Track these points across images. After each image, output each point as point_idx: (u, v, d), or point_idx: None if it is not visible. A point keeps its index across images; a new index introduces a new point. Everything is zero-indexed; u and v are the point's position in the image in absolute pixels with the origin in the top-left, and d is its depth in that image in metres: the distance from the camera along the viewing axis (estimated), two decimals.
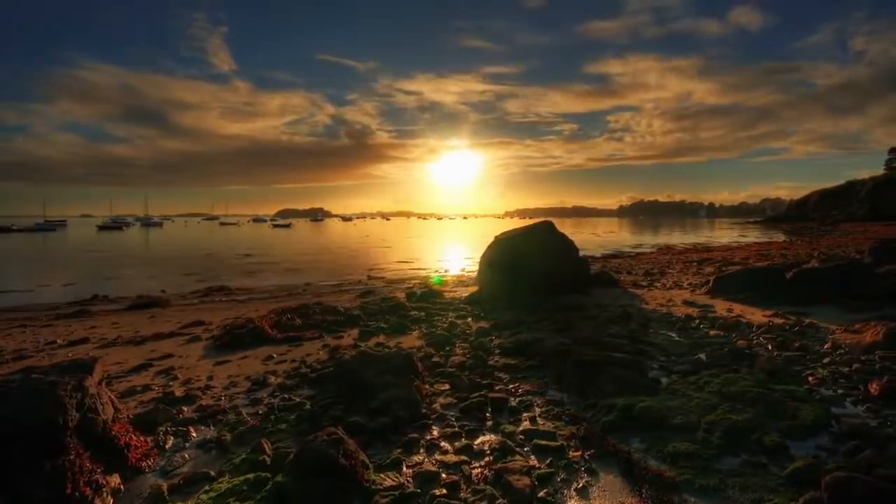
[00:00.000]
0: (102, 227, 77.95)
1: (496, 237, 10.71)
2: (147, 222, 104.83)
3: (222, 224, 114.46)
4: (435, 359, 5.40)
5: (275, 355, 5.90)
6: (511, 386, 4.46)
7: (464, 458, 3.06)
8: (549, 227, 10.91)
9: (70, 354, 6.45)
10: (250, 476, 2.75)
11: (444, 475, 2.84)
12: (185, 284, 17.61)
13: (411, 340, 6.49)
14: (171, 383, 4.97)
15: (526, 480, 2.66)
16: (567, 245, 10.63)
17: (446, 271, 20.14)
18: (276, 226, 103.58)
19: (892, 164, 72.86)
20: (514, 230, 11.07)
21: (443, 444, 3.30)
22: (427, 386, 4.46)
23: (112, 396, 3.70)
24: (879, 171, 75.15)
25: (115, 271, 22.29)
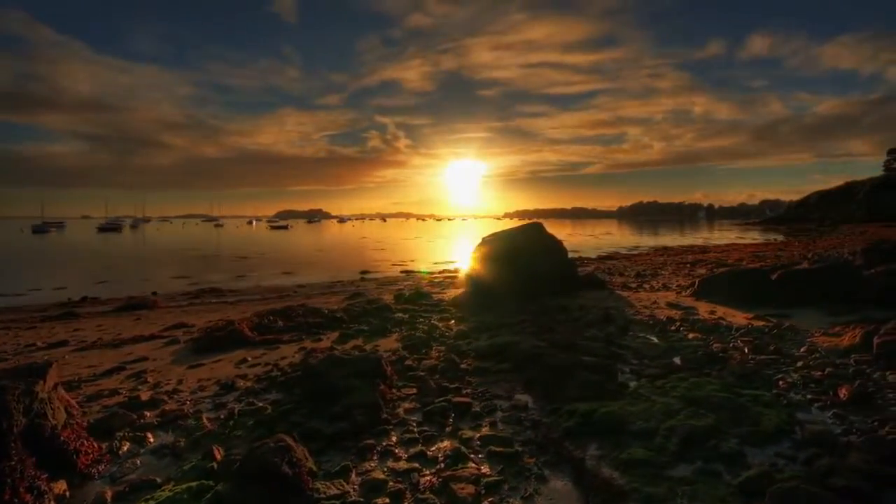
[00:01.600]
0: (102, 229, 78.25)
1: (483, 238, 10.63)
2: (139, 223, 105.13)
3: (217, 226, 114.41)
4: (408, 362, 5.35)
5: (249, 358, 5.85)
6: (479, 390, 4.41)
7: (415, 465, 3.01)
8: (537, 227, 10.84)
9: (46, 357, 6.41)
10: (193, 484, 2.70)
11: (391, 483, 2.79)
12: (178, 286, 17.58)
13: (389, 343, 6.44)
14: (139, 387, 4.92)
15: (471, 489, 2.61)
16: (555, 246, 10.55)
17: (442, 272, 20.08)
18: (273, 227, 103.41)
19: (890, 165, 72.53)
20: (502, 231, 11.01)
21: (397, 450, 3.25)
22: (394, 390, 4.41)
23: (69, 401, 3.66)
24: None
25: (110, 273, 22.26)
